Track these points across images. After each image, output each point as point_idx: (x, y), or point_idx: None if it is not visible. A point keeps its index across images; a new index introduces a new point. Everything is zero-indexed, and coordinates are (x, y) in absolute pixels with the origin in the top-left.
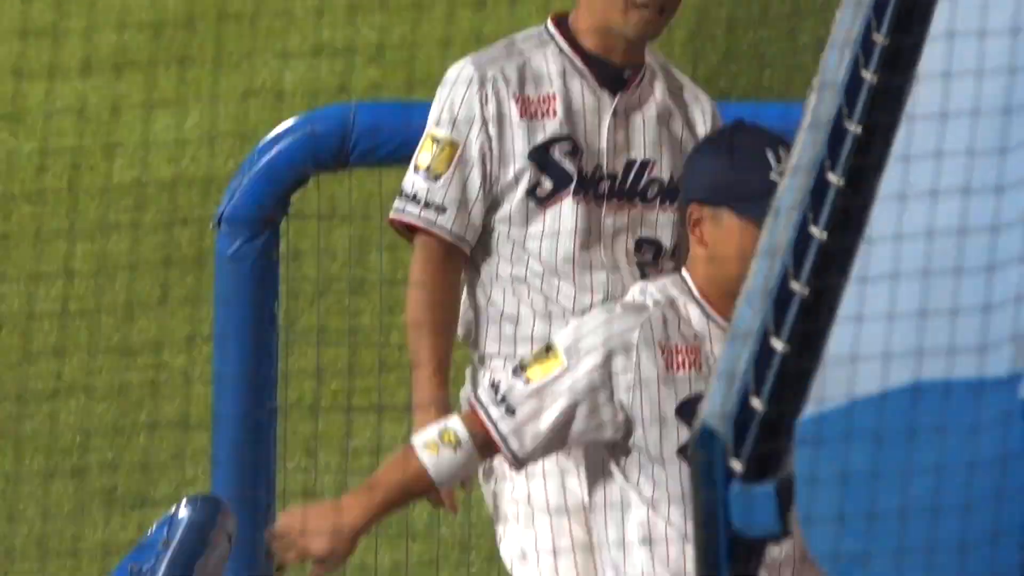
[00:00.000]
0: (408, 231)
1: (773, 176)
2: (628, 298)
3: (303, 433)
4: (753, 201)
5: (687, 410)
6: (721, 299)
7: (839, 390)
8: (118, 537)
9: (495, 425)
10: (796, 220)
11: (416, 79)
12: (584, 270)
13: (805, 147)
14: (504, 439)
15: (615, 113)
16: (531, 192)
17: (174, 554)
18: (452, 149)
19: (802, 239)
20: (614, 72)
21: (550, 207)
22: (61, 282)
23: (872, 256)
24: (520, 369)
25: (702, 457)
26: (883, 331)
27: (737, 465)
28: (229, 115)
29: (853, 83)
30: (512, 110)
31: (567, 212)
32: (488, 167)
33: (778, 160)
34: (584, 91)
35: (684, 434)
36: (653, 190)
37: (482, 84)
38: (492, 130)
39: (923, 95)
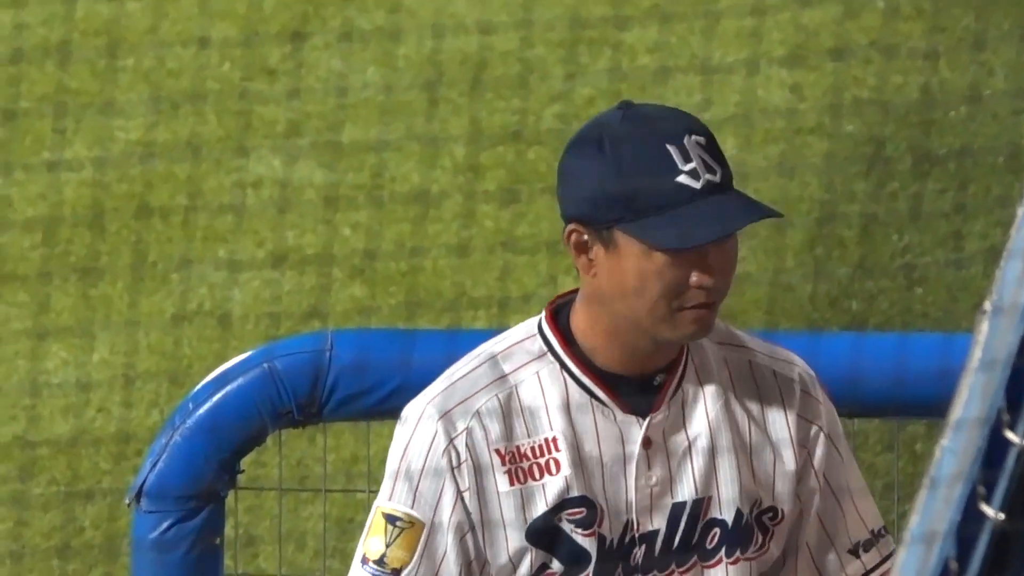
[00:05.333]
0: None
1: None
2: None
3: None
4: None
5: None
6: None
7: None
8: None
9: None
10: (960, 495)
11: (419, 299)
12: None
13: (974, 395)
14: None
15: (646, 444)
16: None
17: None
18: (415, 531)
19: (970, 521)
20: (639, 385)
21: None
22: None
23: None
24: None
25: None
26: None
27: None
28: (153, 348)
29: None
30: (496, 474)
31: None
32: (469, 550)
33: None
34: (599, 424)
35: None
36: (713, 539)
37: (449, 440)
38: (471, 503)
39: None
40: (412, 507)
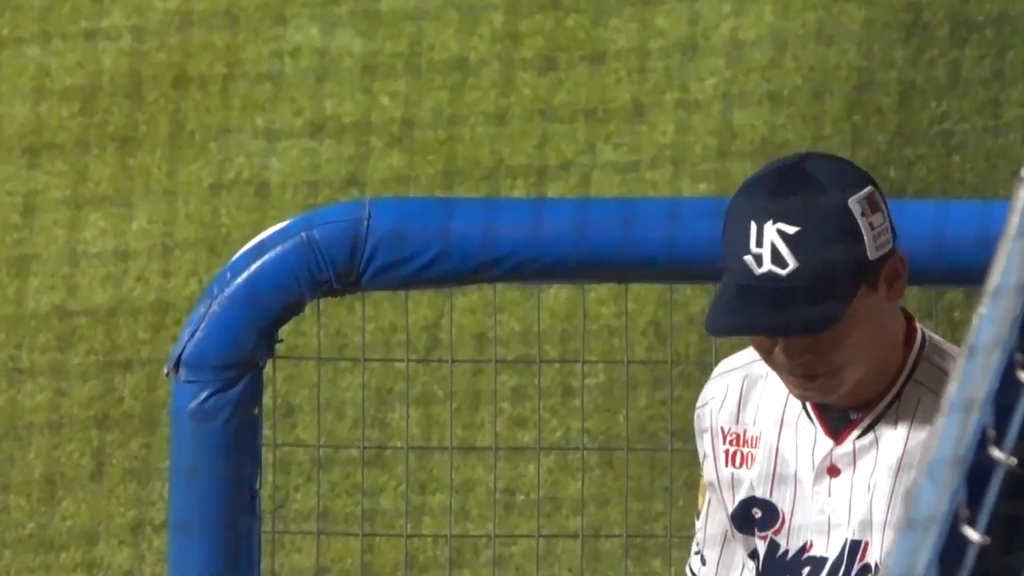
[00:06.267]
0: None
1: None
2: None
3: None
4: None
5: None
6: None
7: None
8: None
9: None
10: (998, 363)
11: (457, 168)
12: None
13: (1012, 261)
14: None
15: (833, 472)
16: (752, 558)
17: None
18: (703, 479)
19: (1008, 389)
20: (840, 416)
21: None
22: None
23: None
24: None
25: None
26: None
27: None
28: (192, 217)
29: None
30: (718, 448)
31: None
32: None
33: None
34: (800, 439)
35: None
36: None
37: (704, 404)
38: (710, 469)
39: None
40: (701, 459)
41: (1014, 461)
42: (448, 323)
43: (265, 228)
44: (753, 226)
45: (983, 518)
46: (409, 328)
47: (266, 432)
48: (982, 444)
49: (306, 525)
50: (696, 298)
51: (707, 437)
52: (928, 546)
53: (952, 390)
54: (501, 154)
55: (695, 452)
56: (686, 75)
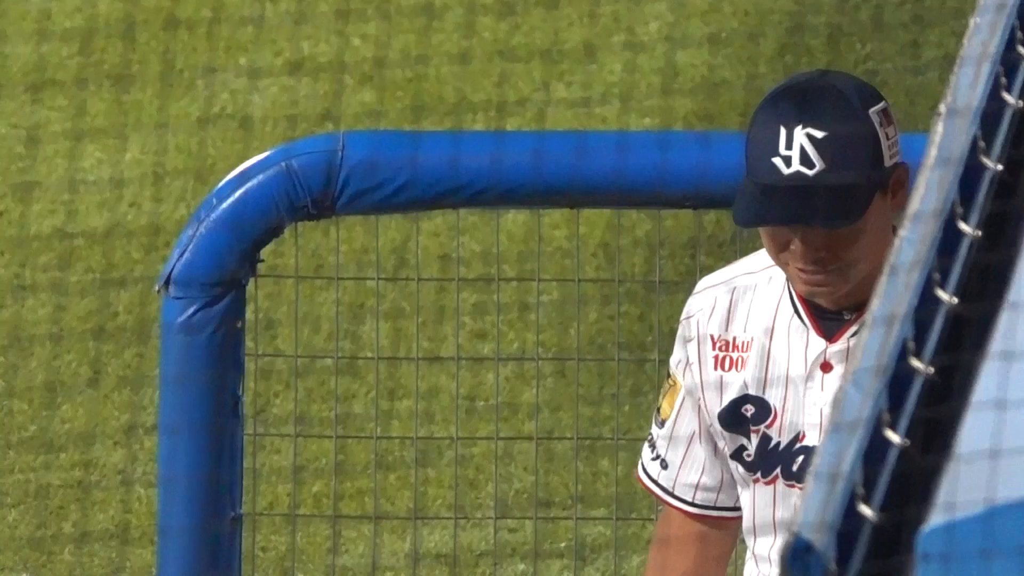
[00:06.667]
0: None
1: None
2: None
3: (277, 548)
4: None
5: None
6: None
7: (976, 494)
8: None
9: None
10: (918, 281)
11: (423, 104)
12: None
13: (930, 190)
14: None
15: (825, 368)
16: (736, 456)
17: None
18: (675, 389)
19: (926, 305)
20: (834, 317)
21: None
22: None
23: (1020, 327)
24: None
25: None
26: None
27: None
28: (180, 148)
29: (992, 108)
30: (706, 355)
31: (746, 499)
32: (705, 416)
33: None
34: (793, 341)
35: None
36: None
37: (689, 316)
38: (694, 376)
39: None
40: (674, 368)
41: (931, 370)
42: (415, 245)
43: (248, 158)
44: (783, 130)
45: (903, 422)
46: (379, 250)
47: (248, 344)
48: (903, 355)
49: (284, 428)
50: (642, 222)
51: (693, 345)
52: (853, 447)
53: (875, 306)
54: (464, 91)
55: (640, 362)
56: (633, 19)
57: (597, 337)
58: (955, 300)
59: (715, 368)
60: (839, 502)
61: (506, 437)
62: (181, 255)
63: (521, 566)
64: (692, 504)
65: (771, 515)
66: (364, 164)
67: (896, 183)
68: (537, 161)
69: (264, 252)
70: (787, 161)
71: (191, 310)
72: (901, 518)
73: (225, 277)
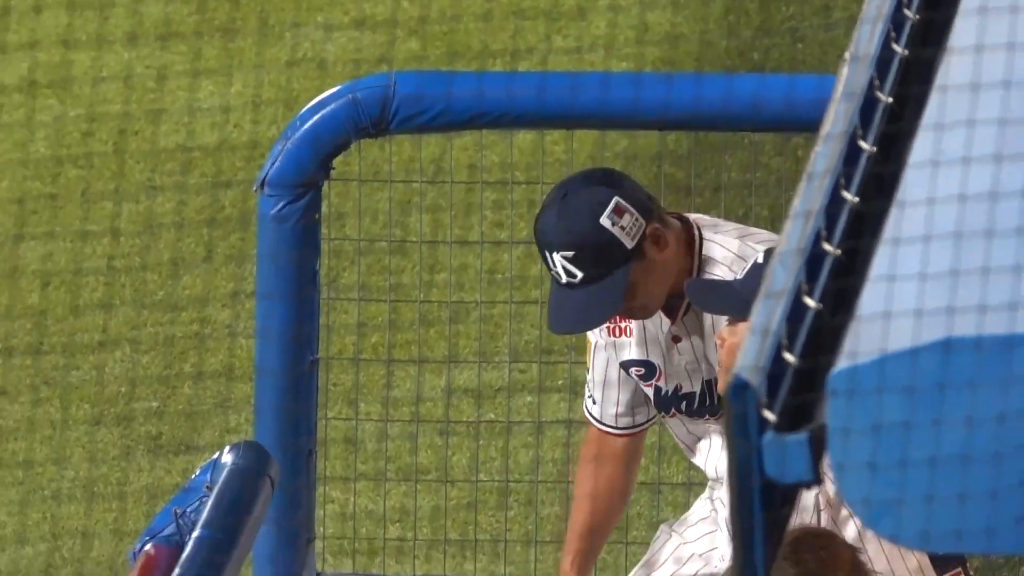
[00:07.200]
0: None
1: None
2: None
3: (344, 384)
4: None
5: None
6: None
7: (872, 345)
8: (163, 482)
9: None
10: (828, 185)
11: (456, 51)
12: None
13: (838, 117)
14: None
15: (675, 339)
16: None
17: (217, 497)
18: (588, 344)
19: (835, 203)
20: (670, 301)
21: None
22: (107, 240)
23: (905, 220)
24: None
25: (736, 408)
26: (915, 290)
27: (770, 416)
28: (273, 83)
29: (885, 56)
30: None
31: (668, 423)
32: (615, 363)
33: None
34: (655, 317)
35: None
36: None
37: None
38: (595, 334)
39: (956, 67)
40: (589, 332)
41: (839, 252)
42: (449, 156)
43: (323, 92)
44: (547, 255)
45: (817, 291)
46: (422, 160)
47: (323, 230)
48: (817, 240)
49: (350, 294)
50: (620, 139)
51: None
52: (780, 309)
53: (796, 203)
54: (486, 42)
55: None
56: None
57: None
58: (856, 199)
59: (610, 335)
60: (769, 351)
61: (518, 301)
62: (273, 163)
63: (528, 398)
64: (615, 428)
65: (684, 432)
66: (410, 96)
67: (652, 241)
68: (541, 95)
69: (335, 161)
70: (559, 276)
71: (280, 205)
72: (815, 363)
73: (306, 180)
